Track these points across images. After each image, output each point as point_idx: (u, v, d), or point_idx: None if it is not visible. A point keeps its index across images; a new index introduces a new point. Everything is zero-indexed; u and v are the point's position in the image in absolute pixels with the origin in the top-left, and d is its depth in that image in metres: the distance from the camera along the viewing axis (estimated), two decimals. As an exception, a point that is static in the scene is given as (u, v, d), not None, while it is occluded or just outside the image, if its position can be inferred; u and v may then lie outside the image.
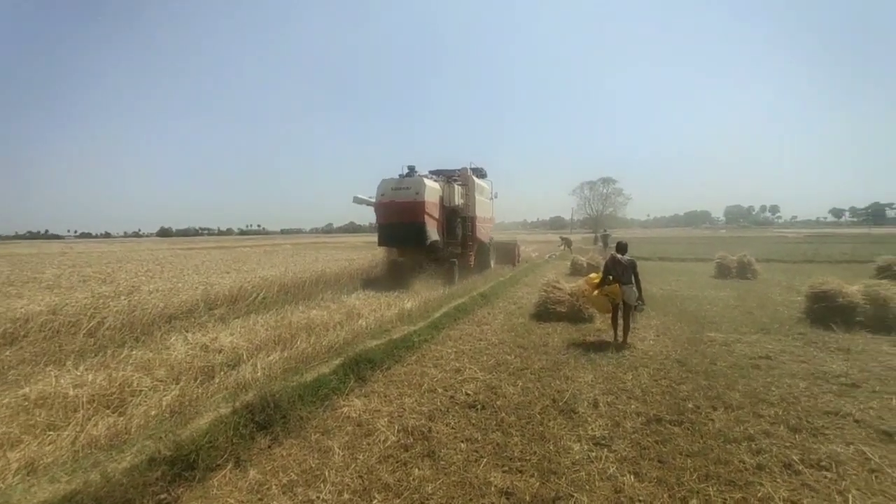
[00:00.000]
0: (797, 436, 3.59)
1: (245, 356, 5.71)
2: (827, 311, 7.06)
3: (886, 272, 12.88)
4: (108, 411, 4.14)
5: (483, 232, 15.87)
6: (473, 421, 4.03)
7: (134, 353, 5.74)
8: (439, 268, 13.02)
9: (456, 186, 13.99)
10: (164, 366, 5.29)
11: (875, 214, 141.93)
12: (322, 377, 4.67)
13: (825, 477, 3.05)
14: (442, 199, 13.27)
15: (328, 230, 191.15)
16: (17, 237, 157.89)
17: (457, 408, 4.31)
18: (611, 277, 6.41)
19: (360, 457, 3.41)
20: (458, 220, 13.97)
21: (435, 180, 13.42)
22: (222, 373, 5.17)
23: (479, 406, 4.32)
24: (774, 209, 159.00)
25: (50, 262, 19.93)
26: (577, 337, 6.92)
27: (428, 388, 4.83)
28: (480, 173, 16.66)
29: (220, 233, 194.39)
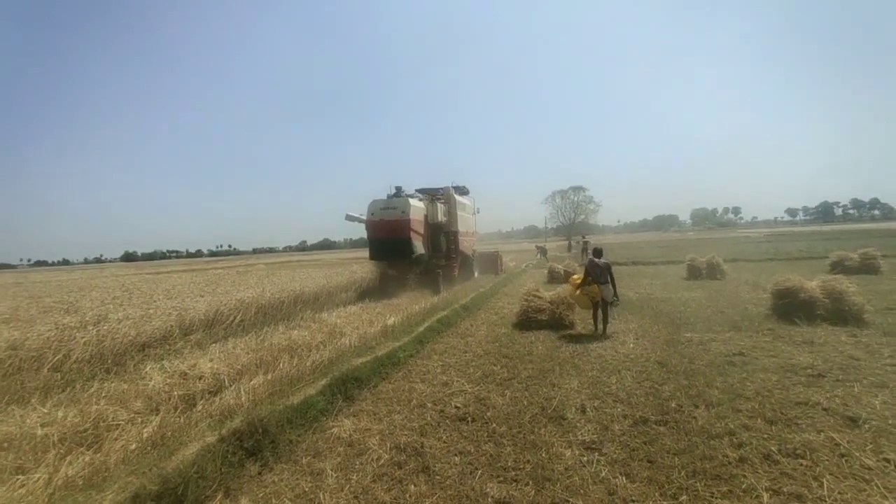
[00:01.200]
0: (773, 427, 3.77)
1: (227, 381, 5.57)
2: (790, 307, 7.45)
3: (839, 267, 13.76)
4: (82, 449, 3.93)
5: (466, 245, 17.28)
6: (465, 434, 4.04)
7: (106, 385, 5.51)
8: (426, 278, 14.37)
9: (439, 204, 15.36)
10: (141, 397, 5.09)
11: (825, 213, 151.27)
12: (309, 399, 4.59)
13: (801, 465, 3.21)
14: (426, 216, 14.69)
15: (302, 247, 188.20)
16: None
17: (447, 421, 4.32)
18: (590, 279, 7.43)
19: (354, 477, 3.37)
20: (441, 235, 15.46)
21: (420, 199, 15.05)
22: (204, 400, 5.01)
23: (469, 418, 4.34)
24: (737, 210, 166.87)
25: (4, 293, 18.83)
26: (559, 344, 7.05)
27: (417, 403, 4.82)
28: (462, 191, 18.22)
29: (190, 255, 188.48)
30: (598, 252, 7.82)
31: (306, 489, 3.23)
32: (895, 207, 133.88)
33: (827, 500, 2.79)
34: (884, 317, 7.31)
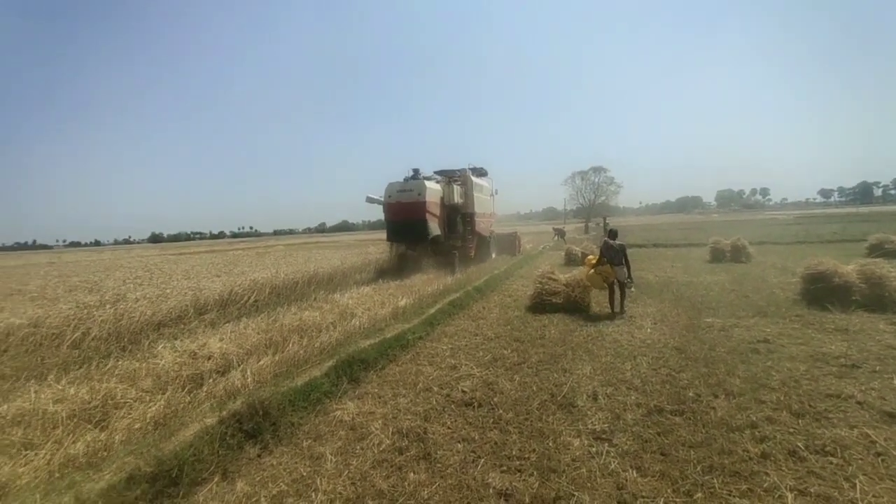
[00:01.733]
0: (800, 421, 3.51)
1: (235, 362, 5.56)
2: (823, 292, 7.01)
3: (879, 250, 12.97)
4: (89, 426, 3.98)
5: (482, 226, 17.21)
6: (470, 419, 3.91)
7: (119, 363, 5.56)
8: (442, 260, 14.53)
9: (455, 186, 15.39)
10: (151, 375, 5.13)
11: (863, 193, 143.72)
12: (314, 381, 4.53)
13: (831, 463, 2.96)
14: (443, 198, 14.68)
15: (321, 229, 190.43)
16: (4, 249, 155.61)
17: (453, 406, 4.20)
18: (604, 259, 7.52)
19: (354, 462, 3.28)
20: (458, 217, 15.59)
21: (438, 181, 15.20)
22: (211, 380, 5.01)
23: (475, 404, 4.21)
24: (765, 192, 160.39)
25: (37, 272, 19.58)
26: (573, 328, 6.82)
27: (423, 387, 4.71)
28: (480, 172, 18.09)
29: (213, 236, 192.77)
30: (612, 233, 7.89)
31: (304, 473, 3.16)
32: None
33: (860, 503, 2.56)
34: (927, 304, 6.81)
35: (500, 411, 4.02)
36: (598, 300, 8.57)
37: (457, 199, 15.40)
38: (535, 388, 4.51)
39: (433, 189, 14.04)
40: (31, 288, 12.83)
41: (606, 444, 3.34)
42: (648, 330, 6.41)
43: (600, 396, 4.21)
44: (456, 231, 15.50)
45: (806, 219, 44.06)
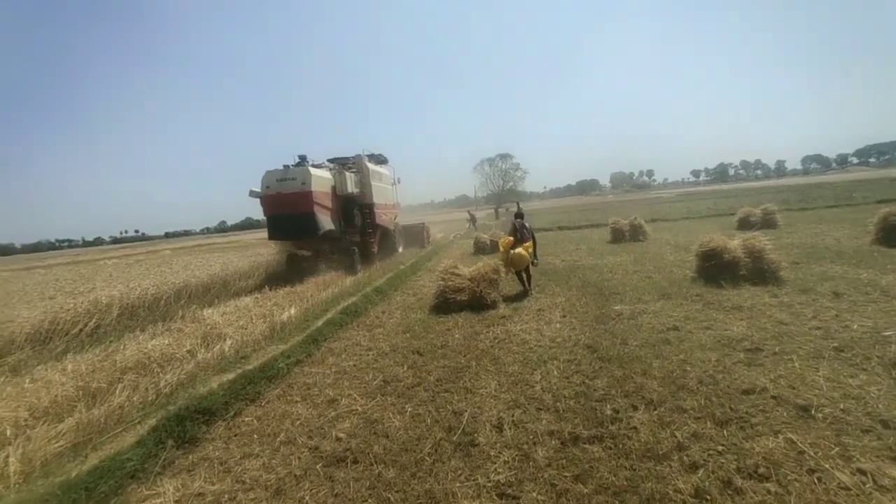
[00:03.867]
0: (726, 431, 3.02)
1: (10, 433, 3.87)
2: (716, 269, 7.11)
3: (745, 223, 14.40)
4: None
5: (385, 218, 15.58)
6: (339, 486, 2.88)
7: None
8: (340, 258, 12.73)
9: (349, 174, 13.34)
10: None
11: (721, 173, 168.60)
12: (115, 457, 3.14)
13: (769, 491, 2.45)
14: (335, 187, 12.81)
15: (222, 228, 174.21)
16: None
17: (319, 467, 3.12)
18: (518, 237, 7.67)
19: None
20: (355, 208, 13.69)
21: (329, 169, 13.24)
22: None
23: (350, 458, 3.18)
24: (650, 173, 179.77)
25: None
26: (479, 329, 6.08)
27: (286, 438, 3.56)
28: (379, 159, 16.49)
29: (87, 243, 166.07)
30: (519, 214, 8.37)
31: None
32: (772, 167, 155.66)
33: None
34: (794, 272, 7.19)
35: (381, 467, 3.03)
36: (506, 292, 8.00)
37: (351, 188, 13.38)
38: (429, 422, 3.61)
39: (321, 177, 12.15)
40: None
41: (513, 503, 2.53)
42: (557, 325, 5.88)
43: (506, 425, 3.42)
44: (353, 225, 13.64)
45: (685, 196, 49.66)
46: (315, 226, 11.33)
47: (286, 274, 12.36)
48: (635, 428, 3.18)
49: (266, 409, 4.16)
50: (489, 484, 2.75)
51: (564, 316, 6.27)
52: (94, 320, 8.17)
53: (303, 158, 12.67)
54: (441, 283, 7.58)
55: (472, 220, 29.67)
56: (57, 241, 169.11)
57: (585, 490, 2.59)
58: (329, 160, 14.49)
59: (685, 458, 2.79)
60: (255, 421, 3.91)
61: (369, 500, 2.72)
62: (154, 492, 2.94)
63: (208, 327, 7.09)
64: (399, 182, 18.26)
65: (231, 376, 4.56)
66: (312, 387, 4.60)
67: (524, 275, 7.91)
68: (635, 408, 3.47)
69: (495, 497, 2.63)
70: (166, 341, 6.36)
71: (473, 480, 2.80)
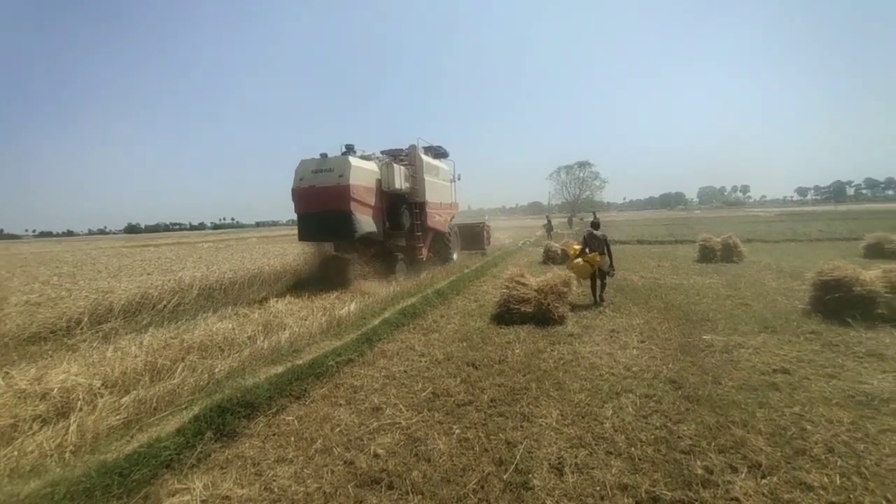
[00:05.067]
0: (874, 528, 2.24)
1: (82, 401, 4.08)
2: (840, 303, 5.84)
3: (875, 250, 12.09)
4: None
5: (439, 219, 13.47)
6: (369, 515, 2.55)
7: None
8: (382, 263, 11.10)
9: (398, 167, 11.30)
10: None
11: (837, 192, 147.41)
12: (155, 443, 3.09)
13: None
14: (380, 181, 10.91)
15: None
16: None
17: (351, 486, 2.82)
18: (587, 249, 7.58)
19: None
20: (402, 208, 11.59)
21: (378, 160, 11.47)
22: (27, 434, 3.55)
23: (385, 482, 2.84)
24: (745, 189, 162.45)
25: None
26: (543, 346, 5.51)
27: (322, 445, 3.32)
28: (437, 152, 14.50)
29: (193, 227, 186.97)
30: (595, 224, 7.95)
31: None
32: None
33: None
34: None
35: (417, 499, 2.66)
36: (576, 307, 7.31)
37: (400, 183, 11.26)
38: (477, 450, 3.17)
39: (364, 169, 10.29)
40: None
41: (570, 585, 2.01)
42: (634, 351, 5.13)
43: (568, 468, 2.88)
44: (400, 226, 11.46)
45: (788, 216, 43.90)
46: (351, 227, 9.61)
47: (315, 280, 10.54)
48: (737, 500, 2.49)
49: (309, 408, 3.99)
50: (542, 545, 2.25)
51: (643, 341, 5.49)
52: (176, 298, 8.80)
53: (349, 148, 11.06)
54: (505, 291, 7.09)
55: (549, 227, 27.77)
56: (171, 223, 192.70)
57: (669, 580, 2.01)
58: (382, 152, 12.71)
59: (813, 557, 2.08)
60: (295, 421, 3.73)
61: (399, 539, 2.35)
62: (184, 486, 2.82)
63: (271, 315, 7.26)
64: (459, 179, 15.93)
65: (280, 369, 4.47)
66: (359, 390, 4.36)
67: (596, 284, 7.71)
68: (735, 470, 2.75)
69: (549, 564, 2.14)
70: (230, 325, 6.57)
71: (523, 536, 2.32)
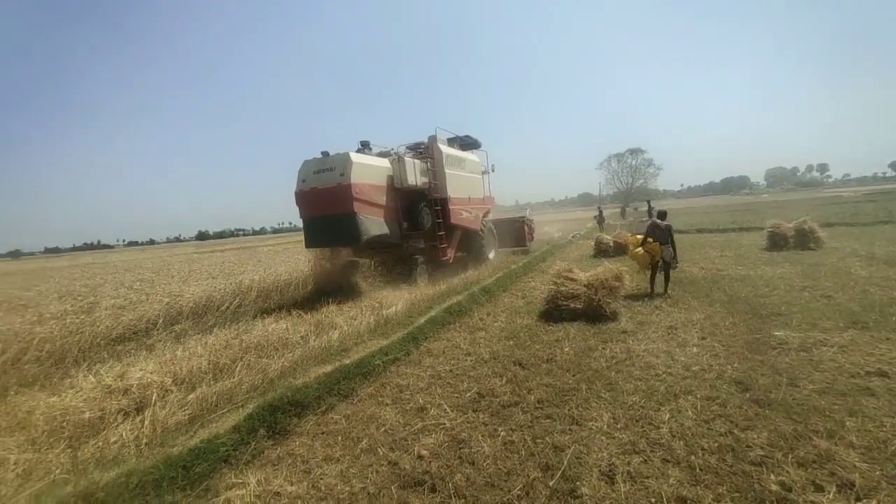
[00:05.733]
0: None
1: (156, 396, 4.43)
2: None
3: None
4: None
5: (466, 216, 12.21)
6: (411, 517, 2.54)
7: (19, 398, 4.59)
8: (401, 267, 10.36)
9: (410, 161, 10.16)
10: (47, 418, 4.07)
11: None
12: (213, 439, 3.28)
13: None
14: (392, 177, 9.91)
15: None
16: (75, 249, 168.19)
17: (394, 488, 2.82)
18: (650, 239, 7.53)
19: None
20: (421, 206, 10.55)
21: (393, 155, 10.39)
22: (112, 426, 3.91)
23: (428, 484, 2.82)
24: (823, 168, 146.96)
25: (54, 275, 19.75)
26: (594, 343, 5.27)
27: (368, 445, 3.37)
28: (465, 142, 13.43)
29: (255, 232, 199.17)
30: (661, 214, 7.87)
31: None
32: None
33: None
34: None
35: (460, 503, 2.61)
36: (629, 302, 6.95)
37: (415, 178, 10.16)
38: (523, 454, 3.06)
39: (368, 165, 9.35)
40: (30, 294, 12.50)
41: None
42: (694, 349, 4.76)
43: (619, 476, 2.70)
44: (420, 226, 10.45)
45: (880, 195, 39.09)
46: (356, 230, 8.72)
47: (331, 287, 9.99)
48: (821, 521, 2.21)
49: (356, 407, 4.07)
50: (592, 559, 2.12)
51: (704, 338, 5.08)
52: (237, 300, 9.37)
53: (364, 145, 10.38)
54: (553, 287, 6.86)
55: (601, 219, 25.90)
56: (236, 229, 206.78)
57: None
58: (407, 147, 11.91)
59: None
60: (343, 420, 3.82)
61: (442, 544, 2.31)
62: (240, 481, 2.96)
63: (323, 315, 7.52)
64: (493, 170, 14.55)
65: (329, 369, 4.59)
66: (405, 389, 4.39)
67: (655, 275, 7.59)
68: (820, 489, 2.45)
69: (599, 580, 2.00)
70: (284, 325, 6.88)
71: (571, 548, 2.20)
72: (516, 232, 15.72)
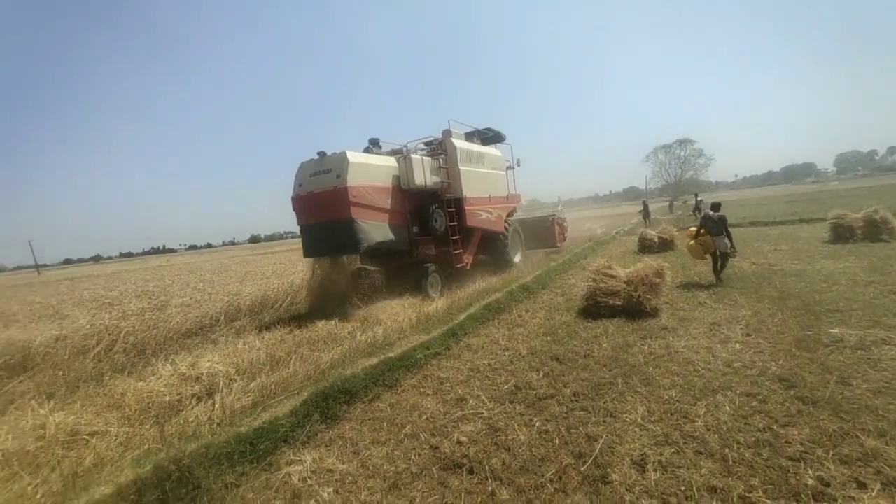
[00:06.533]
0: None
1: (222, 384, 4.95)
2: None
3: None
4: (28, 470, 3.51)
5: (486, 217, 11.22)
6: (450, 494, 2.76)
7: (113, 382, 5.27)
8: (411, 276, 9.51)
9: (417, 158, 9.18)
10: (136, 400, 4.69)
11: None
12: (274, 421, 3.67)
13: None
14: (398, 177, 9.11)
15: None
16: (144, 253, 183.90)
17: (436, 469, 3.06)
18: (703, 231, 7.80)
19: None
20: (433, 207, 9.65)
21: (403, 154, 9.35)
22: (187, 409, 4.44)
23: (466, 467, 3.03)
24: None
25: (136, 277, 21.73)
26: (633, 340, 5.27)
27: (411, 431, 3.63)
28: (486, 136, 12.43)
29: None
30: (715, 206, 8.07)
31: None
32: None
33: None
34: None
35: (496, 484, 2.80)
36: (672, 298, 6.82)
37: (425, 178, 9.23)
38: (556, 443, 3.21)
39: (369, 165, 8.53)
40: (112, 294, 13.92)
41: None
42: (737, 345, 4.67)
43: (650, 465, 2.79)
44: (431, 230, 9.62)
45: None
46: (354, 237, 7.92)
47: (334, 297, 8.90)
48: (856, 513, 2.21)
49: (400, 397, 4.35)
50: (619, 538, 2.25)
51: (748, 335, 4.96)
52: (289, 298, 10.02)
53: (373, 143, 9.64)
54: (591, 284, 6.87)
55: (646, 213, 24.62)
56: (285, 232, 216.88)
57: (760, 587, 1.89)
58: (425, 142, 10.94)
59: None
60: (388, 408, 4.12)
61: (478, 519, 2.52)
62: (297, 458, 3.32)
63: (367, 311, 7.94)
64: (518, 165, 13.51)
65: (375, 361, 4.92)
66: (445, 381, 4.63)
67: (717, 265, 7.79)
68: (862, 486, 2.43)
69: (625, 557, 2.14)
70: (333, 322, 7.35)
71: (599, 528, 2.34)
72: (545, 232, 14.67)
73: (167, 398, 4.69)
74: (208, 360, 5.59)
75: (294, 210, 8.79)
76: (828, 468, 2.59)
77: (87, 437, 3.88)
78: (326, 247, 8.65)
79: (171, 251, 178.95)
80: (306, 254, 9.10)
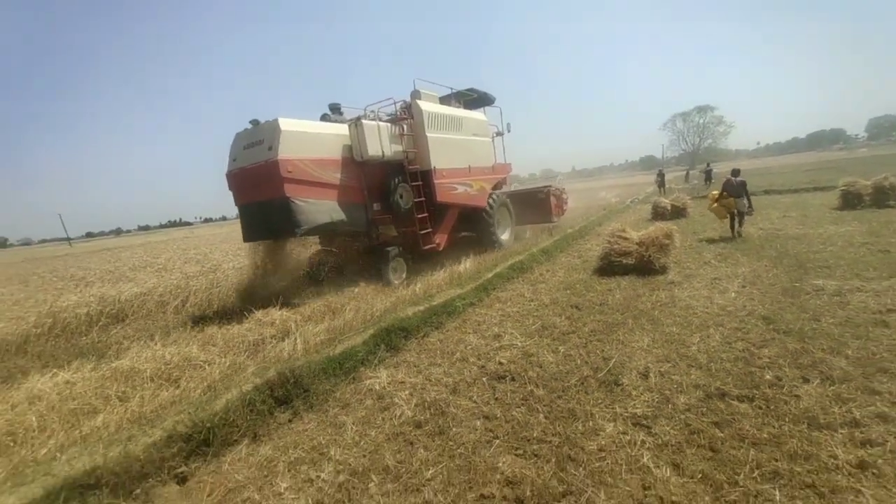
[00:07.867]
0: (926, 418, 2.68)
1: (294, 327, 5.94)
2: None
3: None
4: (168, 384, 4.54)
5: (464, 191, 9.86)
6: (498, 394, 3.68)
7: (206, 328, 6.31)
8: (372, 261, 8.57)
9: (369, 124, 7.78)
10: (224, 340, 5.71)
11: None
12: (352, 349, 4.63)
13: (961, 481, 2.21)
14: (350, 147, 7.87)
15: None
16: (161, 227, 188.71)
17: (484, 379, 3.99)
18: (725, 194, 9.13)
19: (371, 433, 3.28)
20: (396, 180, 8.37)
21: (359, 119, 7.81)
22: (269, 346, 5.44)
23: (508, 377, 3.95)
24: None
25: (169, 247, 23.09)
26: (642, 292, 6.09)
27: (460, 356, 4.56)
28: (467, 97, 10.99)
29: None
30: (735, 172, 9.36)
31: (323, 441, 3.24)
32: None
33: None
34: None
35: (533, 387, 3.72)
36: (680, 259, 7.57)
37: (381, 147, 7.90)
38: (578, 362, 4.10)
39: (306, 134, 7.32)
40: (159, 262, 15.15)
41: (644, 433, 2.89)
42: (732, 294, 5.46)
43: (652, 374, 3.67)
44: (395, 208, 8.34)
45: None
46: (290, 218, 6.90)
47: (295, 285, 8.37)
48: (797, 396, 3.07)
49: (446, 335, 5.29)
50: (626, 414, 3.15)
51: (744, 286, 5.73)
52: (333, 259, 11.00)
53: (334, 110, 8.54)
54: (607, 245, 7.64)
55: (661, 182, 24.72)
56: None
57: (720, 434, 2.77)
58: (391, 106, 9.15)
59: (857, 434, 2.63)
60: (437, 342, 5.05)
61: (521, 407, 3.44)
62: (375, 375, 4.28)
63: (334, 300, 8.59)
64: (509, 131, 12.16)
65: (421, 308, 5.84)
66: (482, 324, 5.55)
67: (734, 223, 9.17)
68: (806, 380, 3.27)
69: (629, 424, 3.03)
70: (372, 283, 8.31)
71: (612, 409, 3.24)
72: (539, 205, 13.11)
73: (251, 337, 5.71)
74: (277, 311, 6.60)
75: (229, 188, 7.76)
76: (784, 371, 3.43)
77: (201, 363, 4.91)
78: (263, 230, 7.66)
79: (188, 224, 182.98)
80: (245, 238, 8.05)
